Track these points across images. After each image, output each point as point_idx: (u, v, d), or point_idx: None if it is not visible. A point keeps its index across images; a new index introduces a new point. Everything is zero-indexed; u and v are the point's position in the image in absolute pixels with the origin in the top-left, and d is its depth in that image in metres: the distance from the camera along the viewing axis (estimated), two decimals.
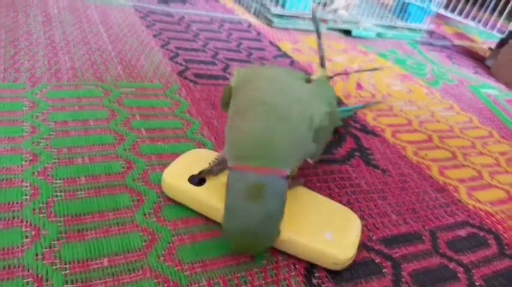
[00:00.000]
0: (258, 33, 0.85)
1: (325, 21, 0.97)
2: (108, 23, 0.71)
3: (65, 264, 0.27)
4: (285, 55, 0.76)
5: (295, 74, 0.35)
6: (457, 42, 1.22)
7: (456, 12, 1.17)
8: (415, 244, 0.37)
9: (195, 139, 0.44)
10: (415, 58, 0.95)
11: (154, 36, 0.70)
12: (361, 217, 0.38)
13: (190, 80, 0.57)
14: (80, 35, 0.63)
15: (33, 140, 0.38)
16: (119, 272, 0.28)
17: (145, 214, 0.33)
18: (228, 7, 1.00)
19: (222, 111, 0.50)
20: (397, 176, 0.46)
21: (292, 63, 0.73)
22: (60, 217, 0.31)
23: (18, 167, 0.35)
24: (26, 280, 0.26)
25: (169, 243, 0.31)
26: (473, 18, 1.29)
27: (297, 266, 0.31)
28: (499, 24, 1.18)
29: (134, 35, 0.68)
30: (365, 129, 0.55)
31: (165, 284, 0.28)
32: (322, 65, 0.43)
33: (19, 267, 0.27)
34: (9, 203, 0.31)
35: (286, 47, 0.81)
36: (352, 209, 0.39)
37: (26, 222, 0.30)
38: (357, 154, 0.49)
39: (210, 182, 0.35)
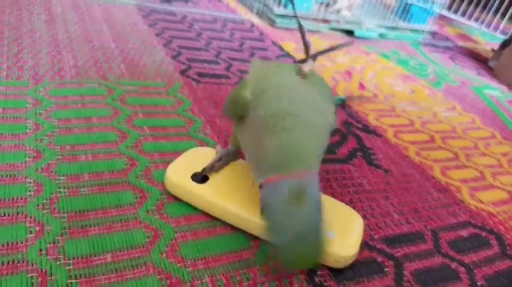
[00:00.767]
0: (261, 33, 0.85)
1: (328, 21, 0.98)
2: (111, 21, 0.71)
3: (69, 259, 0.28)
4: (287, 55, 0.76)
5: (292, 67, 0.37)
6: (460, 43, 1.22)
7: (459, 13, 1.17)
8: (417, 244, 0.37)
9: (197, 137, 0.44)
10: (418, 59, 0.95)
11: (157, 35, 0.70)
12: (364, 217, 0.38)
13: (193, 79, 0.57)
14: (83, 33, 0.63)
15: (36, 137, 0.38)
16: (122, 268, 0.28)
17: (148, 211, 0.33)
18: (231, 7, 1.00)
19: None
20: (400, 176, 0.46)
21: (295, 63, 0.73)
22: (63, 213, 0.31)
23: (22, 163, 0.35)
24: (30, 275, 0.26)
25: (172, 240, 0.31)
26: (476, 20, 1.29)
27: None
28: (501, 26, 1.18)
29: (137, 34, 0.68)
30: (367, 129, 0.55)
31: (168, 281, 0.28)
32: (308, 54, 0.43)
33: (23, 262, 0.27)
34: (13, 199, 0.31)
35: (289, 47, 0.81)
36: (354, 208, 0.39)
37: (30, 218, 0.30)
38: (359, 153, 0.49)
39: (212, 180, 0.35)
